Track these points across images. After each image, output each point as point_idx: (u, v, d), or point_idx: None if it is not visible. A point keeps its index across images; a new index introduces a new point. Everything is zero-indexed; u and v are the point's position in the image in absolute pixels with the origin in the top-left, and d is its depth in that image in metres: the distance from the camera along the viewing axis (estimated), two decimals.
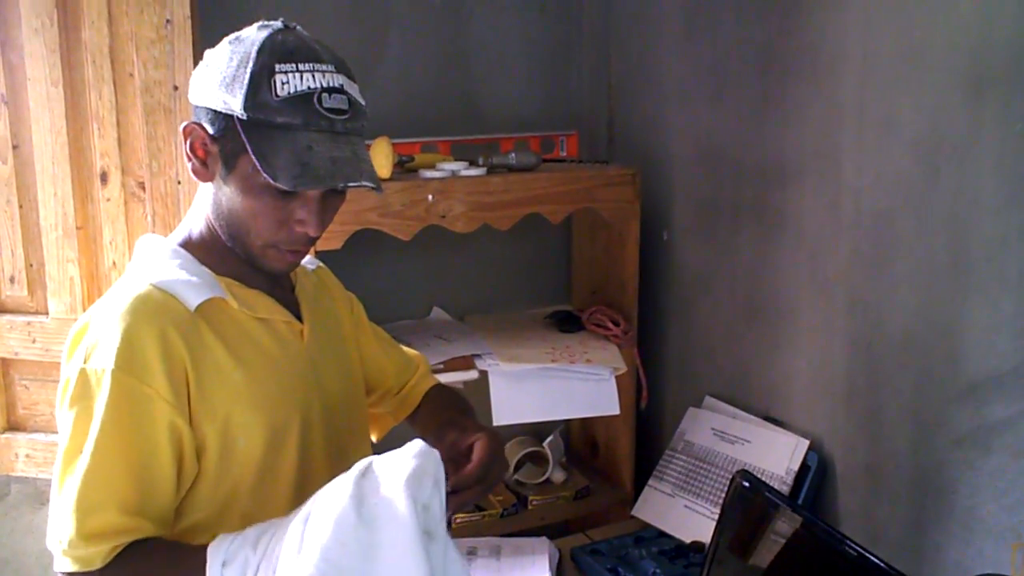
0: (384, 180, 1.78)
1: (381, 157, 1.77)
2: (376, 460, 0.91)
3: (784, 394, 1.79)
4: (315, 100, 0.98)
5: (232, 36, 1.04)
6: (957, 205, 1.38)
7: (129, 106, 1.67)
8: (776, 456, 1.73)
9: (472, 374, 1.89)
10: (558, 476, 2.20)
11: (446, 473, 0.93)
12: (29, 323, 1.76)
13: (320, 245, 1.68)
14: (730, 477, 1.75)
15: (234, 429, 1.04)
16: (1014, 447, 1.33)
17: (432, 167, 1.87)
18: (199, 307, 1.03)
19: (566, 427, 2.40)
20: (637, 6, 2.16)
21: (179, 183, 1.69)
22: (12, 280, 1.76)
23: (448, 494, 0.93)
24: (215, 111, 1.01)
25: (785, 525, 1.28)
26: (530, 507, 2.09)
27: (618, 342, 2.03)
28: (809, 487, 1.67)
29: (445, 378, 1.89)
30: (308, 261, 1.32)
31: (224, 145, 1.02)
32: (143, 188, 1.70)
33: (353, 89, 1.04)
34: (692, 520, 1.81)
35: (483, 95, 2.24)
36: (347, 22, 2.07)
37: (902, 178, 1.47)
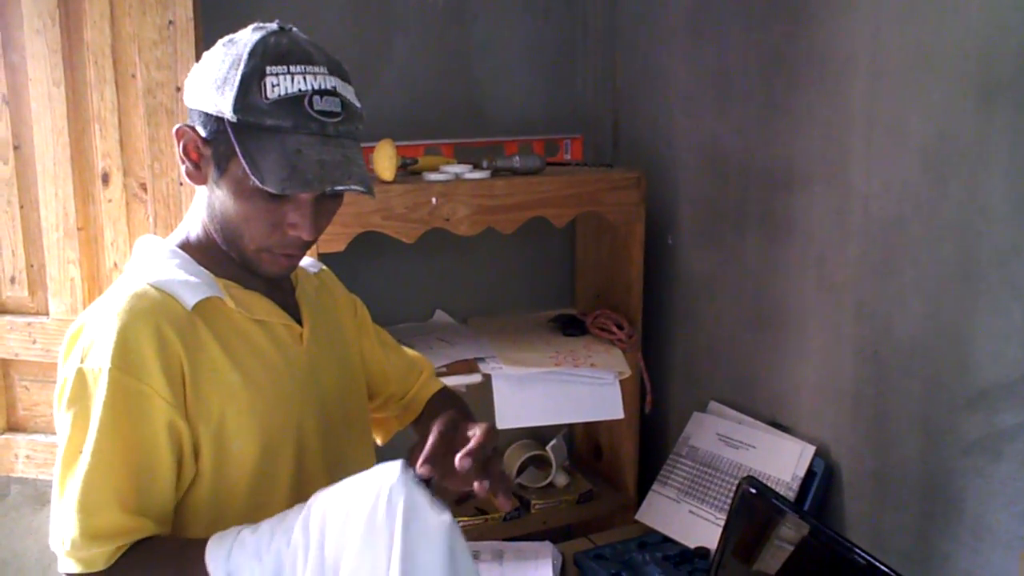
0: (387, 183, 1.77)
1: (384, 160, 1.76)
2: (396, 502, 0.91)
3: (790, 400, 1.78)
4: (306, 103, 0.97)
5: (226, 38, 1.03)
6: (966, 211, 1.37)
7: (131, 107, 1.66)
8: (782, 462, 1.72)
9: (475, 377, 1.88)
10: (561, 480, 2.19)
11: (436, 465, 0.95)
12: (30, 324, 1.75)
13: (323, 247, 1.67)
14: (735, 483, 1.74)
15: (228, 431, 1.03)
16: None
17: (436, 170, 1.86)
18: (197, 307, 1.03)
19: (569, 431, 2.39)
20: (643, 8, 2.15)
21: (181, 185, 1.68)
22: (13, 281, 1.75)
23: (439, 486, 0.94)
24: (207, 114, 1.01)
25: (792, 532, 1.27)
26: (533, 511, 2.09)
27: (622, 346, 2.02)
28: (815, 494, 1.65)
29: (448, 381, 1.87)
30: (311, 264, 1.31)
31: (216, 148, 1.01)
32: (145, 189, 1.69)
33: (347, 91, 1.02)
34: (697, 525, 1.80)
35: (487, 98, 2.23)
36: (351, 24, 2.06)
37: (911, 184, 1.45)
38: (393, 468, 0.92)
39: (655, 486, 1.94)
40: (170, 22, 1.62)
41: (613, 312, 2.09)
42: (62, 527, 0.97)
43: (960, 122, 1.36)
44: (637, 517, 1.93)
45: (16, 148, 1.69)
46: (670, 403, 2.16)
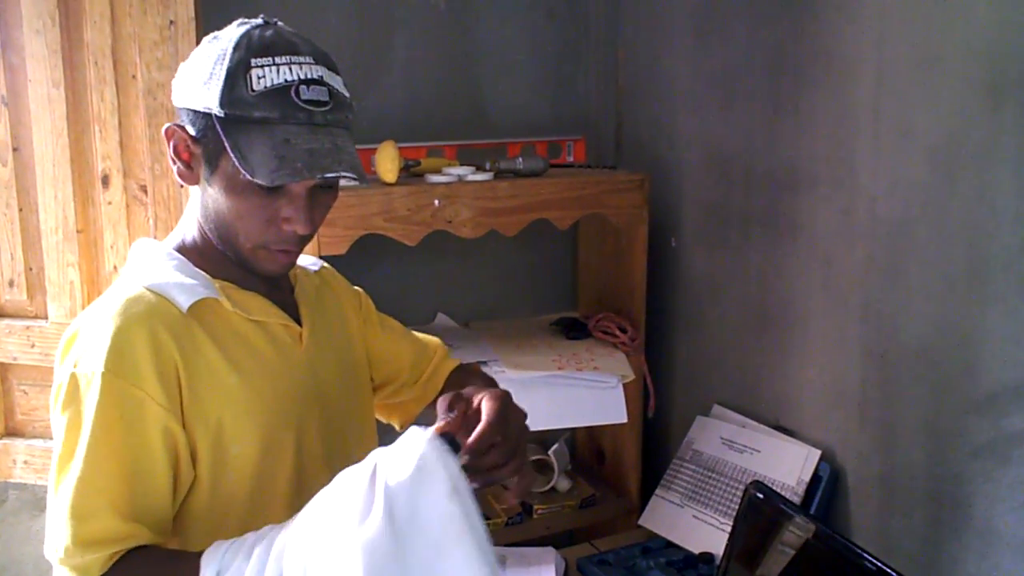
0: (390, 185, 1.76)
1: (387, 161, 1.75)
2: (379, 464, 0.86)
3: (795, 403, 1.77)
4: (292, 93, 0.97)
5: (211, 35, 1.03)
6: (975, 213, 1.36)
7: (131, 108, 1.65)
8: (787, 466, 1.70)
9: None
10: (563, 485, 2.17)
11: (458, 444, 0.89)
12: (28, 327, 1.73)
13: (324, 250, 1.66)
14: (739, 487, 1.73)
15: (227, 435, 1.02)
16: None
17: (438, 172, 1.85)
18: (192, 309, 1.02)
19: (572, 435, 2.37)
20: (646, 9, 2.14)
21: (182, 187, 1.66)
22: (11, 284, 1.74)
23: (468, 467, 0.88)
24: (195, 111, 1.00)
25: (800, 537, 1.26)
26: (535, 516, 2.07)
27: (626, 349, 2.01)
28: (821, 498, 1.64)
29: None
30: (311, 263, 1.30)
31: (206, 145, 1.01)
32: (145, 192, 1.68)
33: (335, 81, 1.02)
34: (701, 530, 1.79)
35: (490, 99, 2.22)
36: (353, 26, 2.05)
37: (918, 185, 1.44)
38: (421, 434, 0.87)
39: (658, 491, 1.92)
40: (171, 22, 1.61)
41: (616, 315, 2.07)
42: (56, 534, 0.95)
43: (968, 122, 1.35)
44: (640, 522, 1.91)
45: (15, 150, 1.68)
46: (673, 407, 2.15)
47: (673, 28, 2.05)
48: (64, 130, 1.65)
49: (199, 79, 0.99)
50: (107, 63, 1.63)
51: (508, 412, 0.98)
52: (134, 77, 1.64)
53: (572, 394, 1.91)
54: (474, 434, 0.92)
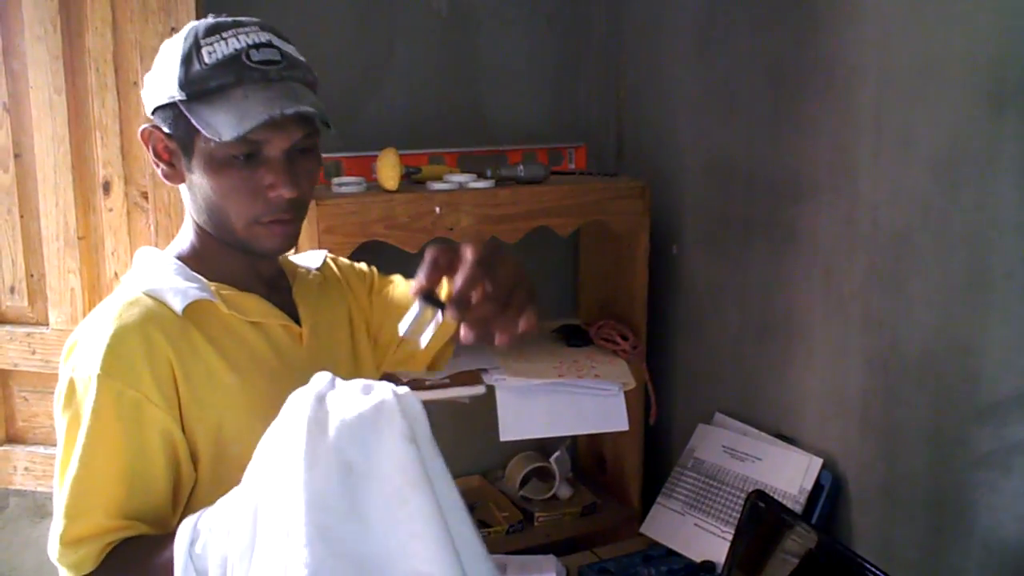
0: (391, 192, 1.76)
1: (388, 169, 1.75)
2: (329, 399, 0.86)
3: (796, 412, 1.76)
4: (244, 57, 1.01)
5: (168, 39, 1.07)
6: (976, 221, 1.35)
7: (133, 115, 1.65)
8: (788, 475, 1.70)
9: (479, 389, 1.87)
10: (564, 492, 2.17)
11: (439, 301, 0.84)
12: (29, 334, 1.73)
13: None
14: (741, 496, 1.73)
15: (227, 436, 1.02)
16: None
17: (439, 179, 1.85)
18: (189, 312, 1.03)
19: (573, 442, 2.37)
20: (648, 17, 2.14)
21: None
22: (12, 290, 1.74)
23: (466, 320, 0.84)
24: (162, 106, 1.03)
25: (802, 546, 1.25)
26: (536, 524, 2.06)
27: (627, 357, 2.00)
28: (823, 507, 1.63)
29: (451, 392, 1.86)
30: (313, 261, 1.29)
31: (179, 134, 1.04)
32: (146, 198, 1.68)
33: (285, 45, 1.05)
34: (702, 539, 1.78)
35: (490, 106, 2.22)
36: (354, 33, 2.05)
37: (920, 194, 1.44)
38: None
39: (660, 499, 1.92)
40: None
41: (617, 323, 2.07)
42: (52, 534, 0.97)
43: (970, 131, 1.35)
44: (642, 530, 1.91)
45: (16, 156, 1.68)
46: (675, 415, 2.15)
47: (674, 35, 2.05)
48: (65, 136, 1.65)
49: (159, 77, 1.03)
50: (108, 69, 1.63)
51: (494, 258, 0.87)
52: (135, 83, 1.64)
53: (573, 402, 1.91)
54: (455, 285, 0.84)
